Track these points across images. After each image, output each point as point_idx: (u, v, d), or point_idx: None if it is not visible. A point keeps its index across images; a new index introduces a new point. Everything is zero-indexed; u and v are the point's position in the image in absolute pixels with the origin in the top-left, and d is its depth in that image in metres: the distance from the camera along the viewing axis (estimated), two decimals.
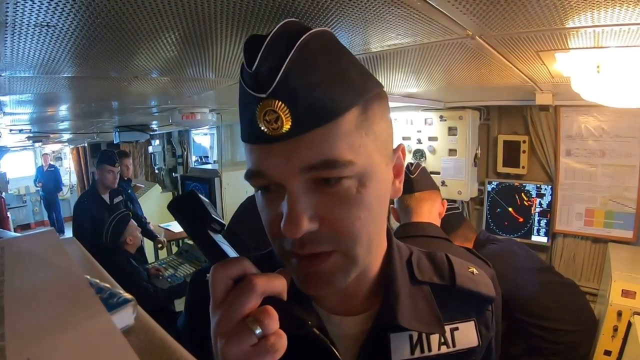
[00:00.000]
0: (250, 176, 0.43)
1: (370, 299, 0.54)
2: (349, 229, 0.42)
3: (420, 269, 0.58)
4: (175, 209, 0.49)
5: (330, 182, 0.41)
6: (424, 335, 0.54)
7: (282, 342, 0.37)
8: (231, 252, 0.45)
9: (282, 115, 0.38)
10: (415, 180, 1.35)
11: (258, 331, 0.37)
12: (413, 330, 0.52)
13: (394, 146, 0.51)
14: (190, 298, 0.61)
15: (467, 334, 0.56)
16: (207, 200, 0.50)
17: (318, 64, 0.39)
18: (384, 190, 0.47)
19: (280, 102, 0.38)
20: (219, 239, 0.47)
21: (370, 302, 0.54)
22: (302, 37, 0.38)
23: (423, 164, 2.45)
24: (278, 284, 0.40)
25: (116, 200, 3.03)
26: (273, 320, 0.37)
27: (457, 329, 0.56)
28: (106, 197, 2.95)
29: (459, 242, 1.81)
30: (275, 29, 0.39)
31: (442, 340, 0.54)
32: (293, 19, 0.41)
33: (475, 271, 0.61)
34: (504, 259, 1.70)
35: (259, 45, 0.38)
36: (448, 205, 1.82)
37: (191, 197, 0.50)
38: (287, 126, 0.38)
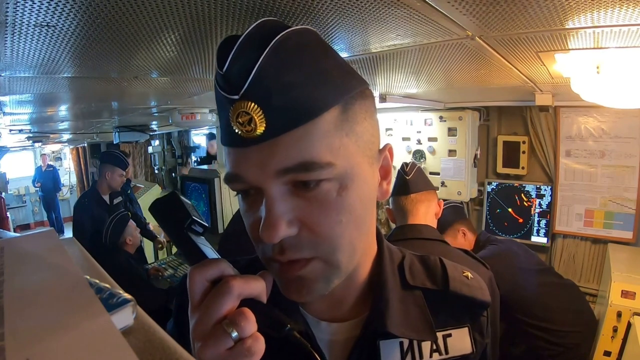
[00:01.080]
0: (228, 180, 0.42)
1: (360, 304, 0.53)
2: (329, 234, 0.41)
3: (412, 273, 0.56)
4: (156, 210, 0.48)
5: (309, 185, 0.39)
6: (415, 342, 0.52)
7: (259, 345, 0.36)
8: (211, 254, 0.44)
9: (256, 117, 0.37)
10: (411, 181, 1.33)
11: (234, 334, 0.35)
12: (403, 337, 0.51)
13: (381, 146, 0.49)
14: (177, 302, 0.60)
15: (460, 341, 0.55)
16: (188, 202, 0.49)
17: (294, 63, 0.38)
18: (368, 193, 0.45)
19: (252, 104, 0.37)
20: (201, 241, 0.46)
21: (359, 307, 0.52)
22: (278, 36, 0.37)
23: (423, 165, 2.47)
24: (256, 286, 0.39)
25: (116, 200, 3.03)
26: (250, 322, 0.36)
27: (450, 335, 0.54)
28: (106, 197, 2.95)
29: (460, 237, 1.81)
30: (250, 28, 0.37)
31: (434, 347, 0.53)
32: (271, 18, 0.39)
33: (470, 276, 0.59)
34: (503, 260, 1.71)
35: (232, 46, 0.37)
36: (451, 200, 1.84)
37: (172, 198, 0.49)
38: (261, 128, 0.37)
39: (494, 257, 1.71)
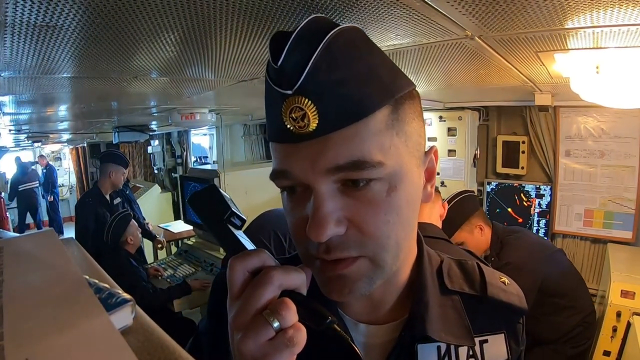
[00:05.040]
0: (275, 176, 0.42)
1: (399, 307, 0.52)
2: (377, 234, 0.40)
3: (451, 277, 0.56)
4: (196, 203, 0.49)
5: (358, 184, 0.39)
6: (452, 347, 0.51)
7: (301, 335, 0.35)
8: (250, 246, 0.44)
9: (309, 113, 0.37)
10: None
11: (276, 324, 0.35)
12: (442, 341, 0.50)
13: (426, 148, 0.48)
14: (213, 300, 0.59)
15: (496, 348, 0.53)
16: (227, 195, 0.49)
17: (346, 61, 0.38)
18: (415, 194, 0.45)
19: (306, 99, 0.37)
20: (239, 234, 0.46)
21: (398, 310, 0.51)
22: (330, 33, 0.37)
23: None
24: (296, 277, 0.38)
25: (116, 201, 3.04)
26: (291, 312, 0.35)
27: (486, 341, 0.53)
28: (108, 197, 2.96)
29: (476, 233, 1.80)
30: (302, 24, 0.37)
31: (471, 353, 0.51)
32: (320, 15, 0.39)
33: (507, 282, 0.58)
34: (535, 249, 1.74)
35: (285, 41, 0.37)
36: (462, 190, 1.84)
37: (212, 191, 0.49)
38: (313, 124, 0.37)
39: (524, 248, 1.73)
